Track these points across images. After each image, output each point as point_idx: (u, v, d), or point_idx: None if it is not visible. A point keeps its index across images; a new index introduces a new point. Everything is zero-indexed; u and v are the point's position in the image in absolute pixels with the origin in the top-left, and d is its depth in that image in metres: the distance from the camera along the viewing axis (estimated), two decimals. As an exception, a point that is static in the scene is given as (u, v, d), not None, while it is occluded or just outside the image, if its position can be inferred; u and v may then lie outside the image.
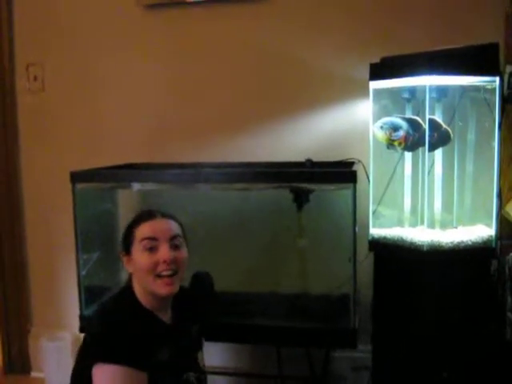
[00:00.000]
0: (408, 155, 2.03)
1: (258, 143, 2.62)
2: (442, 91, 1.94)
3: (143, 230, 1.73)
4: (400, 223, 2.08)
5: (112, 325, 1.63)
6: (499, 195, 1.95)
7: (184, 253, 1.76)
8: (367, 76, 2.01)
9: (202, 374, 1.90)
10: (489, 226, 1.96)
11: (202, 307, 1.98)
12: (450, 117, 1.98)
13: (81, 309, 2.35)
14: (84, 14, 2.77)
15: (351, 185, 2.04)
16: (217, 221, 2.40)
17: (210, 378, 1.99)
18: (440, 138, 1.92)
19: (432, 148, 1.91)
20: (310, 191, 2.24)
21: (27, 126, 2.91)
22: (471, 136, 2.02)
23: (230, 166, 2.47)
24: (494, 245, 1.93)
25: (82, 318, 2.34)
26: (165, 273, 1.69)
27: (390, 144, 1.92)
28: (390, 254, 2.02)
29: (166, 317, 1.78)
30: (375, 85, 2.03)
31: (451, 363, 1.92)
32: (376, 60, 2.03)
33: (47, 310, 2.98)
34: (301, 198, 2.26)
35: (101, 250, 2.49)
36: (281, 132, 2.59)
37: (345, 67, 2.47)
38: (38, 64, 2.85)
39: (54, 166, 2.83)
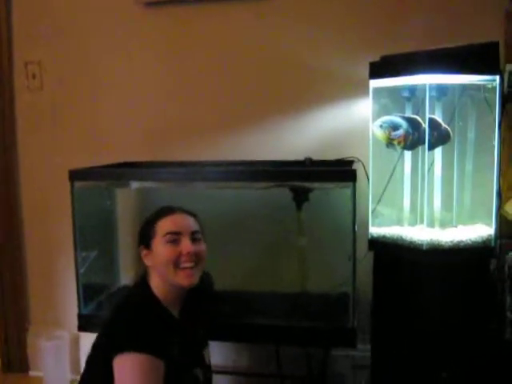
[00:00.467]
0: (408, 154, 2.03)
1: (257, 141, 2.61)
2: (441, 90, 1.93)
3: (166, 224, 1.81)
4: (399, 222, 2.08)
5: (132, 316, 1.69)
6: (499, 194, 1.95)
7: (203, 246, 1.85)
8: (367, 74, 2.01)
9: (208, 370, 1.95)
10: (488, 225, 1.95)
11: (205, 305, 2.02)
12: (449, 116, 1.97)
13: (79, 307, 2.34)
14: (83, 12, 2.77)
15: (351, 183, 2.04)
16: (216, 219, 2.38)
17: (209, 376, 2.00)
18: (439, 137, 1.92)
19: (431, 147, 1.90)
20: (309, 190, 2.23)
21: (25, 124, 2.90)
22: (471, 135, 2.02)
23: (229, 165, 2.46)
24: (493, 244, 1.93)
25: (80, 316, 2.34)
26: (186, 264, 1.77)
27: (390, 143, 1.92)
28: (390, 252, 2.02)
29: (176, 312, 1.83)
30: (375, 83, 2.03)
31: (450, 362, 1.91)
32: (376, 59, 2.03)
33: (45, 308, 2.97)
34: (300, 197, 2.26)
35: (99, 248, 2.48)
36: (280, 130, 2.58)
37: (345, 66, 2.46)
38: (37, 62, 2.84)
39: (53, 165, 2.82)
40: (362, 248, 2.08)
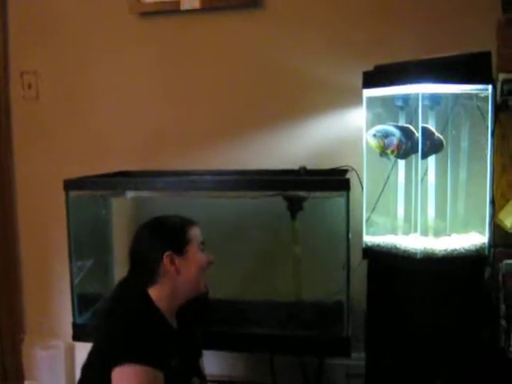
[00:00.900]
0: (401, 163, 2.03)
1: (251, 151, 2.62)
2: (434, 99, 1.94)
3: (197, 233, 1.90)
4: (393, 231, 2.08)
5: (131, 327, 1.68)
6: (492, 202, 1.95)
7: None
8: (360, 84, 2.02)
9: (204, 380, 1.97)
10: (482, 233, 1.96)
11: (201, 314, 2.04)
12: (442, 125, 1.98)
13: (74, 317, 2.34)
14: (78, 23, 2.77)
15: (344, 192, 2.05)
16: (210, 229, 2.38)
17: (204, 386, 2.00)
18: (432, 146, 1.92)
19: (425, 156, 1.91)
20: (303, 199, 2.24)
21: (21, 133, 2.91)
22: (464, 144, 2.03)
23: (223, 174, 2.46)
24: (487, 252, 1.93)
25: (75, 326, 2.33)
26: (207, 272, 1.90)
27: (383, 152, 1.93)
28: (384, 261, 2.02)
29: (174, 322, 1.84)
30: (368, 93, 2.03)
31: (445, 370, 1.91)
32: (369, 68, 2.04)
33: (40, 318, 2.96)
34: (294, 206, 2.26)
35: (94, 257, 2.48)
36: (274, 140, 2.59)
37: (338, 75, 2.46)
38: (33, 72, 2.85)
39: (48, 174, 2.82)
40: (356, 257, 2.08)
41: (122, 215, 2.63)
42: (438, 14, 2.37)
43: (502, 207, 2.13)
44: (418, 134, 1.87)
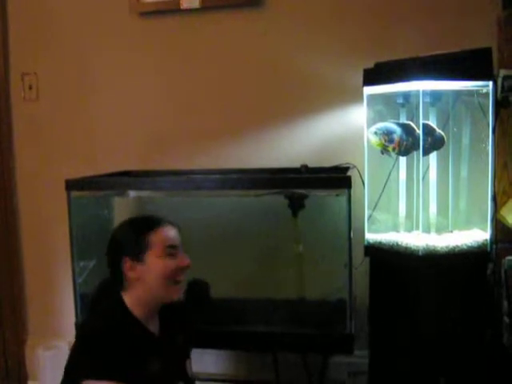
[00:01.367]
0: (403, 160, 2.03)
1: (253, 149, 2.62)
2: (435, 96, 1.94)
3: (163, 237, 1.73)
4: (395, 228, 2.08)
5: (101, 339, 1.61)
6: (494, 199, 1.95)
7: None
8: (361, 81, 2.02)
9: (190, 382, 1.92)
10: (484, 229, 1.96)
11: (190, 316, 1.98)
12: (443, 121, 1.98)
13: (77, 317, 2.34)
14: (78, 23, 2.78)
15: (346, 190, 2.05)
16: (212, 227, 2.40)
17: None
18: (434, 143, 1.93)
19: (426, 152, 1.91)
20: (305, 197, 2.24)
21: (22, 134, 2.91)
22: (465, 140, 2.03)
23: (225, 173, 2.46)
24: (489, 249, 1.94)
25: (78, 324, 2.33)
26: (182, 278, 1.74)
27: (384, 149, 1.93)
28: (386, 258, 2.02)
29: (154, 327, 1.77)
30: (369, 90, 2.04)
31: (448, 368, 1.91)
32: (370, 65, 2.04)
33: (43, 318, 2.97)
34: (296, 204, 2.26)
35: (97, 257, 2.48)
36: (276, 138, 2.59)
37: (339, 73, 2.47)
38: (33, 73, 2.85)
39: (49, 175, 2.82)
40: (359, 254, 2.08)
41: (123, 215, 2.62)
42: (439, 11, 2.37)
43: (503, 203, 2.13)
44: (419, 131, 1.87)
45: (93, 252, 2.47)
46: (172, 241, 1.74)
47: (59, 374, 1.63)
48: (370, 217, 2.07)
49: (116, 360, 1.57)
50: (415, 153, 1.91)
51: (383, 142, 1.91)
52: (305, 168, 2.43)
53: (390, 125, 1.92)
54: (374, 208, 2.08)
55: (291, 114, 2.56)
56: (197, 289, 2.06)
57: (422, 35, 2.36)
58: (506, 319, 1.98)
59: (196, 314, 2.02)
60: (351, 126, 2.46)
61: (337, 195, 2.11)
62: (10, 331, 2.98)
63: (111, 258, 1.78)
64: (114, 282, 1.77)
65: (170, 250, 1.72)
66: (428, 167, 1.96)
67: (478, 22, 2.29)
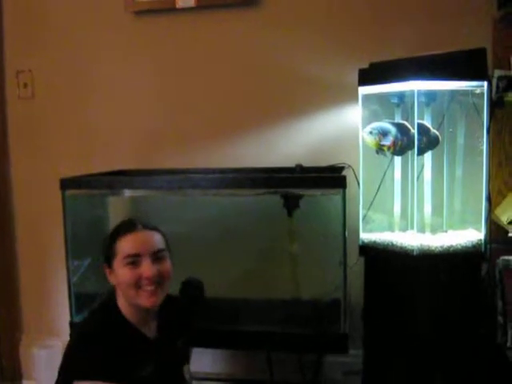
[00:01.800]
0: (397, 160, 2.03)
1: (247, 149, 2.62)
2: (430, 96, 1.95)
3: (125, 246, 1.70)
4: (390, 228, 2.08)
5: (91, 342, 1.62)
6: (488, 199, 1.96)
7: (167, 265, 1.74)
8: (356, 81, 2.02)
9: None
10: (478, 229, 1.96)
11: (188, 317, 1.97)
12: (438, 121, 1.98)
13: (71, 316, 2.33)
14: (74, 22, 2.77)
15: (341, 190, 2.05)
16: (207, 227, 2.39)
17: (202, 384, 1.99)
18: (428, 142, 1.93)
19: (421, 152, 1.91)
20: (300, 196, 2.24)
21: (17, 132, 2.91)
22: (460, 140, 2.03)
23: (220, 172, 2.47)
24: (483, 248, 1.94)
25: (72, 325, 2.33)
26: (148, 287, 1.68)
27: (379, 149, 1.93)
28: (381, 258, 2.02)
29: (149, 330, 1.76)
30: (364, 90, 2.04)
31: (442, 367, 1.92)
32: (365, 65, 2.04)
33: (38, 317, 2.96)
34: (291, 204, 2.26)
35: (91, 256, 2.48)
36: (271, 138, 2.59)
37: (334, 73, 2.47)
38: (28, 71, 2.85)
39: (44, 173, 2.82)
40: (353, 254, 2.08)
41: (118, 214, 2.62)
42: (434, 12, 2.38)
43: (498, 203, 2.14)
44: (414, 131, 1.87)
45: (87, 251, 2.47)
46: (132, 249, 1.69)
47: (54, 372, 1.63)
48: (364, 216, 2.08)
49: (106, 362, 1.57)
50: (410, 152, 1.91)
51: (378, 141, 1.91)
52: (300, 167, 2.43)
53: (385, 124, 1.92)
54: (369, 208, 2.08)
55: (286, 114, 2.56)
56: (191, 288, 2.06)
57: (418, 35, 2.36)
58: (501, 319, 1.98)
59: (194, 316, 2.01)
60: (346, 126, 2.46)
61: (332, 195, 2.11)
62: (4, 330, 2.97)
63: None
64: (112, 289, 1.78)
65: (129, 259, 1.68)
66: (423, 167, 1.96)
67: (472, 22, 2.29)
